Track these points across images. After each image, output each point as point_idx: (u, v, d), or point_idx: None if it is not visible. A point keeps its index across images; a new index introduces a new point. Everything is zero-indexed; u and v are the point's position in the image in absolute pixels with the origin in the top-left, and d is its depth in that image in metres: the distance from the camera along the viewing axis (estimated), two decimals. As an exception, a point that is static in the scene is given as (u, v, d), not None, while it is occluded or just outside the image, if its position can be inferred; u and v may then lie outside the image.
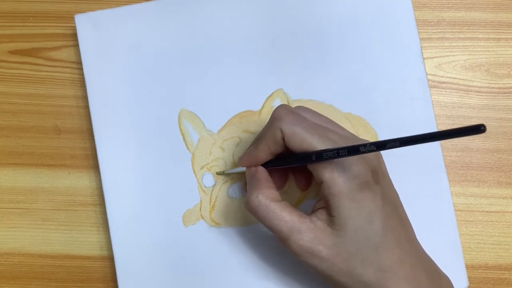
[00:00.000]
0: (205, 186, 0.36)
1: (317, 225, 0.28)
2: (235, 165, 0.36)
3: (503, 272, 0.37)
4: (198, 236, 0.36)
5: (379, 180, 0.28)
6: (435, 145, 0.36)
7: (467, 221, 0.37)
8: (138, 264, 0.35)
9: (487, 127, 0.38)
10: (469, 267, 0.37)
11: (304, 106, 0.32)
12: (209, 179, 0.36)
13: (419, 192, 0.35)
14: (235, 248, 0.35)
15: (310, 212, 0.29)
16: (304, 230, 0.28)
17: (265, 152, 0.30)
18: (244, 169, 0.32)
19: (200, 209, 0.36)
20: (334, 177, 0.27)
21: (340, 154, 0.26)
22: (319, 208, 0.29)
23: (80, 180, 0.38)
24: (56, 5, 0.40)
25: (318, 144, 0.28)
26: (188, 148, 0.36)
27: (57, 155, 0.39)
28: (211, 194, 0.36)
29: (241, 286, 0.35)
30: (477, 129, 0.20)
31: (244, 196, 0.36)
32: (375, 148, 0.25)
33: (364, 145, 0.25)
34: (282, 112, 0.30)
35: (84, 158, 0.38)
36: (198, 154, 0.36)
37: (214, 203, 0.36)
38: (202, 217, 0.36)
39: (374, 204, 0.27)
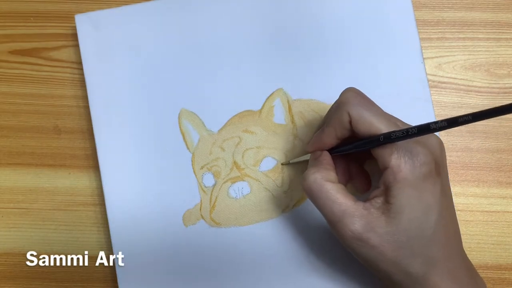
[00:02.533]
0: (205, 186, 0.36)
1: (370, 212, 0.28)
2: (230, 167, 0.36)
3: (503, 272, 0.37)
4: (198, 236, 0.36)
5: (440, 172, 0.28)
6: (435, 145, 0.36)
7: (467, 221, 0.37)
8: (138, 264, 0.35)
9: (487, 127, 0.38)
10: (469, 267, 0.37)
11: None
12: (209, 179, 0.36)
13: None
14: (235, 248, 0.35)
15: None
16: (357, 216, 0.27)
17: (331, 136, 0.30)
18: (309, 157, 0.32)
19: (200, 209, 0.36)
20: (400, 163, 0.27)
21: (410, 133, 0.25)
22: (374, 197, 0.28)
23: (80, 180, 0.38)
24: (56, 5, 0.40)
25: (386, 128, 0.27)
26: (188, 148, 0.36)
27: (57, 155, 0.39)
28: (211, 194, 0.36)
29: (241, 286, 0.35)
30: None
31: (244, 196, 0.36)
32: (446, 124, 0.24)
33: (435, 122, 0.24)
34: (349, 95, 0.29)
35: (84, 158, 0.38)
36: (198, 154, 0.36)
37: (214, 203, 0.36)
38: (202, 217, 0.36)
39: (433, 196, 0.27)
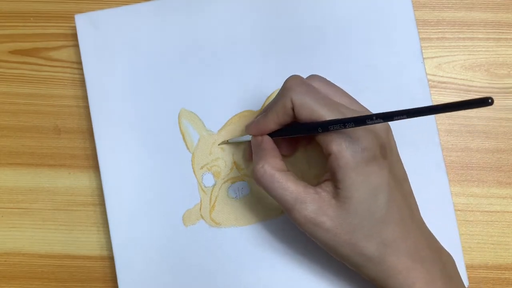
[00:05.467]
0: (205, 186, 0.36)
1: (321, 196, 0.28)
2: (230, 167, 0.36)
3: (503, 272, 0.37)
4: (198, 236, 0.36)
5: (387, 155, 0.28)
6: (435, 144, 0.36)
7: (467, 221, 0.37)
8: (138, 264, 0.35)
9: (487, 127, 0.38)
10: (469, 267, 0.37)
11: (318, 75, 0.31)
12: (209, 179, 0.36)
13: (419, 191, 0.34)
14: (235, 248, 0.35)
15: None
16: (309, 201, 0.28)
17: (273, 122, 0.30)
18: (248, 137, 0.33)
19: (200, 209, 0.36)
20: (342, 149, 0.27)
21: (347, 127, 0.26)
22: (325, 180, 0.29)
23: (80, 180, 0.38)
24: (56, 5, 0.40)
25: (327, 115, 0.28)
26: (188, 148, 0.36)
27: (57, 155, 0.39)
28: (211, 194, 0.36)
29: (241, 286, 0.35)
30: (484, 102, 0.20)
31: (244, 196, 0.36)
32: (381, 120, 0.24)
33: (371, 118, 0.25)
34: (293, 82, 0.29)
35: (84, 158, 0.38)
36: (198, 154, 0.36)
37: (214, 203, 0.36)
38: (202, 217, 0.36)
39: (380, 178, 0.28)
